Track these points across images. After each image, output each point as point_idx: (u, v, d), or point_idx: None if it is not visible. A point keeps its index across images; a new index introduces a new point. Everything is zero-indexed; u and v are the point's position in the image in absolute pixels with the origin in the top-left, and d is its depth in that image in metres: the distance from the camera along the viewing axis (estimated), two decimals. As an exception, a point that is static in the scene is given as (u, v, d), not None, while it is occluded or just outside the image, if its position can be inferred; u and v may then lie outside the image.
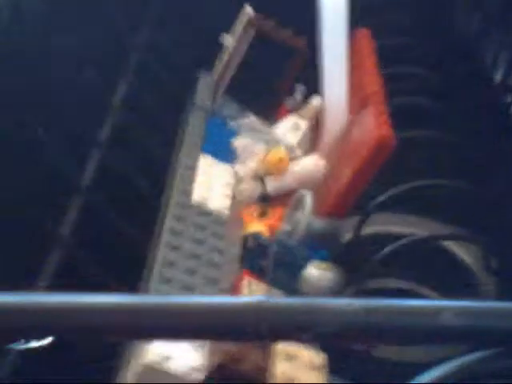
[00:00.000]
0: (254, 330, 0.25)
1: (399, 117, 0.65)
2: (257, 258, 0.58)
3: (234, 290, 0.56)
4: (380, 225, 0.65)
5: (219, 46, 0.83)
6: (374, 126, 0.63)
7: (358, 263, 0.59)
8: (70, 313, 0.26)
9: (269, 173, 0.68)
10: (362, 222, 0.60)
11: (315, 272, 0.57)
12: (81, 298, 0.26)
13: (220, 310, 0.25)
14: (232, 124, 0.74)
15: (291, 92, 0.78)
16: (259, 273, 0.57)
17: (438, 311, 0.24)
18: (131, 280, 0.56)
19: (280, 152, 0.69)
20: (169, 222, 0.59)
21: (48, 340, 0.27)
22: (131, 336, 0.26)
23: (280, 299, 0.25)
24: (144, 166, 0.71)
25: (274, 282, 0.56)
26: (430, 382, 0.26)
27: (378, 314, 0.25)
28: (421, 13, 0.86)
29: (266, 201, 0.67)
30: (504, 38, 0.72)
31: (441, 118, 0.69)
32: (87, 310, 0.26)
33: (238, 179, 0.68)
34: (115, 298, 0.25)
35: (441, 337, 0.25)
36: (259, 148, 0.70)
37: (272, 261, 0.58)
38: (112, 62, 0.78)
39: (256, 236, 0.59)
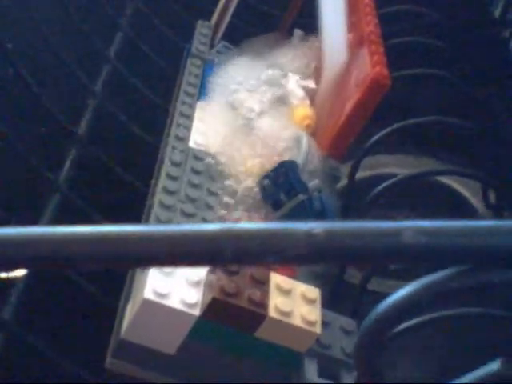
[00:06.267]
0: (219, 255, 0.25)
1: (397, 56, 0.64)
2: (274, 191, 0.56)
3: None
4: (376, 167, 0.65)
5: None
6: (369, 65, 0.62)
7: (353, 208, 0.59)
8: (48, 243, 0.26)
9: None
10: (356, 164, 0.60)
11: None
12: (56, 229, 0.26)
13: (185, 237, 0.25)
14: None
15: (289, 36, 0.78)
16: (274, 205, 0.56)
17: (399, 230, 0.24)
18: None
19: (304, 110, 0.66)
20: (165, 168, 0.60)
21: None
22: (99, 264, 0.26)
23: (244, 225, 0.26)
24: (142, 115, 0.71)
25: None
26: (400, 301, 0.26)
27: (339, 235, 0.25)
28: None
29: None
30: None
31: (440, 56, 0.68)
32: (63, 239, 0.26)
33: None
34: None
35: (403, 256, 0.25)
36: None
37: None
38: (106, 14, 0.78)
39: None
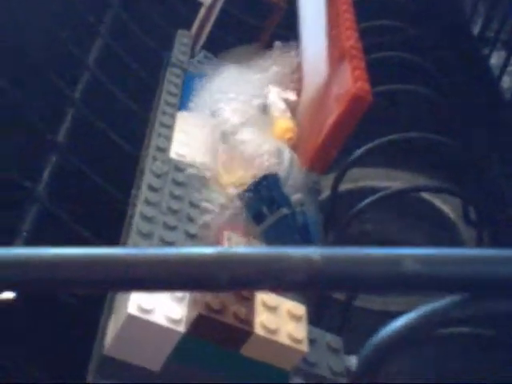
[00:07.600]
0: (214, 282, 0.25)
1: (378, 71, 0.65)
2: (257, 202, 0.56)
3: (216, 244, 0.56)
4: (359, 180, 0.65)
5: (198, 6, 0.82)
6: (350, 80, 0.63)
7: (335, 220, 0.59)
8: (37, 266, 0.26)
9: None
10: (339, 178, 0.60)
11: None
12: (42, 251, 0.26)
13: (179, 262, 0.25)
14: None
15: (270, 48, 0.78)
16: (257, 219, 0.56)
17: (399, 259, 0.24)
18: (111, 236, 0.56)
19: (285, 122, 0.67)
20: (147, 179, 0.59)
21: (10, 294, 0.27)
22: (86, 288, 0.26)
23: (239, 249, 0.25)
24: (121, 123, 0.71)
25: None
26: (400, 331, 0.26)
27: (338, 262, 0.25)
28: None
29: None
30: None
31: (420, 72, 0.69)
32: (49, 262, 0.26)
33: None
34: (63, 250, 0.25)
35: (402, 284, 0.25)
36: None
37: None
38: (86, 22, 0.77)
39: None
